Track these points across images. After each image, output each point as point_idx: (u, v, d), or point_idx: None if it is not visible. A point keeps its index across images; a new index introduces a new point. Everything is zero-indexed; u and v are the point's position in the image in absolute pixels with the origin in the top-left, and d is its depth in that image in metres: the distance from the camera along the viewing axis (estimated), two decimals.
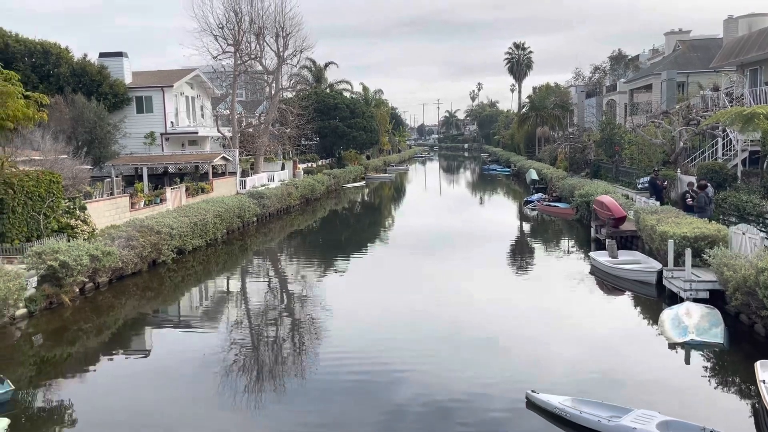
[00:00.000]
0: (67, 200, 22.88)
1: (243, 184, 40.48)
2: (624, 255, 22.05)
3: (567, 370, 12.79)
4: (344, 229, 37.26)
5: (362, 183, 63.69)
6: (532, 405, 11.16)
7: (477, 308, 17.56)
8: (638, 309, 17.93)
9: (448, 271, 22.79)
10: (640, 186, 31.46)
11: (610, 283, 20.27)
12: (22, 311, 17.07)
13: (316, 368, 13.30)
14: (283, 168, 49.80)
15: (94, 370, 14.08)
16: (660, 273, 18.85)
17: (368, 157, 76.99)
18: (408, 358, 13.62)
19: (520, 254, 26.73)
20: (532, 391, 11.28)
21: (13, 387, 11.95)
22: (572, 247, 28.31)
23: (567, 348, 14.09)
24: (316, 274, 24.09)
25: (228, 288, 22.50)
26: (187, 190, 33.17)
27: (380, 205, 50.22)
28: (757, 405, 10.85)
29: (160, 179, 37.59)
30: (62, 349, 15.43)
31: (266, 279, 24.02)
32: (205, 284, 22.92)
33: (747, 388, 11.62)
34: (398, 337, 15.18)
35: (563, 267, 23.43)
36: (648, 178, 29.00)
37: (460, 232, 32.31)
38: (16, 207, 20.35)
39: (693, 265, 16.97)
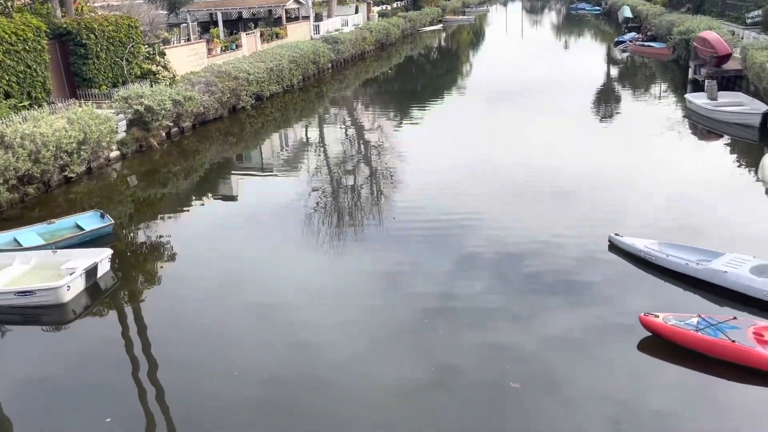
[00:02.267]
0: (146, 46, 22.87)
1: (317, 29, 39.21)
2: (725, 96, 20.42)
3: (655, 217, 12.35)
4: (420, 76, 36.01)
5: (439, 26, 60.41)
6: (615, 248, 10.92)
7: (559, 157, 16.89)
8: (737, 154, 16.85)
9: (528, 121, 21.84)
10: (749, 21, 28.28)
11: (706, 127, 18.98)
12: (115, 153, 17.90)
13: (392, 214, 13.41)
14: (356, 11, 47.61)
15: (188, 211, 14.79)
16: (765, 115, 17.50)
17: None
18: (484, 207, 13.44)
19: (607, 100, 25.19)
20: (616, 234, 11.01)
21: (113, 221, 12.79)
22: (666, 90, 26.39)
23: (655, 195, 13.54)
24: (392, 123, 23.69)
25: (306, 135, 22.59)
26: (261, 35, 32.45)
27: (458, 50, 47.87)
28: None
29: (235, 25, 36.88)
30: (155, 190, 16.21)
31: (343, 127, 23.89)
32: (284, 131, 23.09)
33: None
34: (475, 186, 14.93)
35: (655, 112, 21.98)
36: (760, 10, 25.84)
37: (542, 79, 30.51)
38: (99, 53, 20.53)
39: None
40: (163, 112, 18.94)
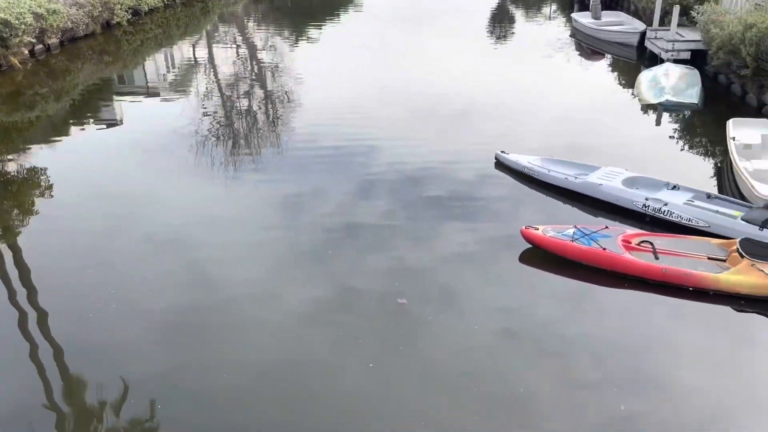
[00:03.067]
0: None
1: None
2: (607, 16, 21.34)
3: (538, 135, 12.92)
4: None
5: None
6: (501, 165, 11.35)
7: (450, 80, 17.08)
8: (616, 72, 17.81)
9: (425, 42, 21.74)
10: None
11: (590, 46, 19.83)
12: None
13: (291, 140, 13.09)
14: None
15: (65, 138, 13.61)
16: (643, 34, 18.58)
17: None
18: (381, 130, 13.42)
19: (502, 21, 25.50)
20: (502, 152, 11.42)
21: None
22: (557, 10, 27.08)
23: (540, 114, 14.16)
24: (287, 42, 22.76)
25: (194, 55, 21.24)
26: None
27: None
28: (721, 163, 11.26)
29: None
30: (21, 114, 14.75)
31: (233, 46, 22.65)
32: (168, 50, 21.56)
33: (715, 147, 12.02)
34: (370, 110, 14.83)
35: (545, 32, 22.59)
36: None
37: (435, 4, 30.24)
38: None
39: (678, 25, 16.74)
40: (23, 27, 16.96)
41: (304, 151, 12.38)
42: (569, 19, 23.21)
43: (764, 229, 8.31)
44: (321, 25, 25.53)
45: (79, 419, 6.08)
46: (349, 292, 7.83)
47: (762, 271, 7.42)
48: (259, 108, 15.54)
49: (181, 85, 17.55)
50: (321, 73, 18.22)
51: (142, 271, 8.38)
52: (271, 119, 14.74)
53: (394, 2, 29.93)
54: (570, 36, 21.51)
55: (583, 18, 21.35)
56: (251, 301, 7.71)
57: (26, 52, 17.91)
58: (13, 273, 8.43)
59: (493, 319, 7.28)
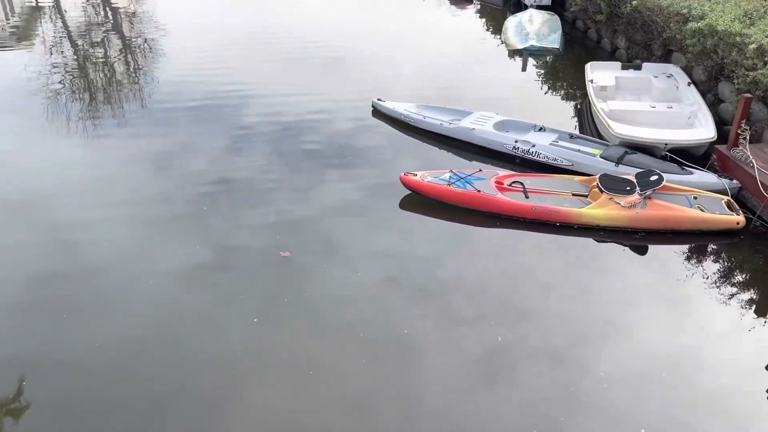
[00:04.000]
0: None
1: None
2: None
3: (413, 82, 13.09)
4: None
5: None
6: (378, 113, 11.40)
7: (324, 29, 16.74)
8: (485, 19, 18.33)
9: None
10: None
11: None
12: None
13: (156, 93, 12.26)
14: None
15: None
16: None
17: None
18: (253, 81, 12.92)
19: None
20: (378, 99, 11.47)
21: None
22: None
23: (414, 61, 14.35)
24: None
25: (36, 1, 19.06)
26: None
27: None
28: (581, 104, 12.06)
29: None
30: None
31: None
32: None
33: (576, 89, 12.80)
34: (241, 60, 14.22)
35: None
36: None
37: None
38: None
39: None
40: None
41: (170, 104, 11.66)
42: None
43: (620, 165, 9.03)
44: None
45: None
46: (229, 250, 7.60)
47: (618, 203, 8.09)
48: (117, 58, 14.34)
49: (24, 34, 15.75)
50: (186, 21, 17.10)
51: (8, 235, 7.62)
52: (131, 70, 13.67)
53: None
54: None
55: None
56: (122, 266, 7.26)
57: None
58: None
59: (375, 265, 7.39)
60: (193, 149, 9.97)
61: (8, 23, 16.82)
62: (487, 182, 8.58)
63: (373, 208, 8.59)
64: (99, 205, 8.43)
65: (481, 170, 8.95)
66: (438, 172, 8.86)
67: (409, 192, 8.77)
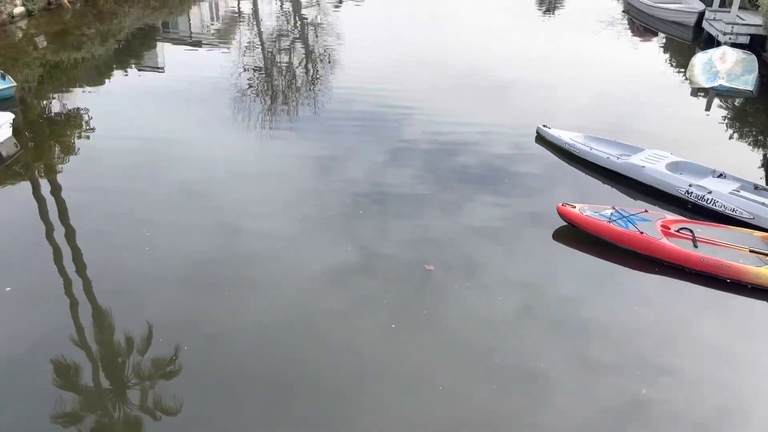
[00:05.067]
0: None
1: None
2: None
3: (582, 111, 12.57)
4: None
5: None
6: (541, 140, 11.08)
7: (498, 49, 16.66)
8: (669, 53, 17.17)
9: (469, 12, 21.19)
10: None
11: (644, 23, 19.13)
12: (19, 9, 16.19)
13: (328, 100, 12.97)
14: None
15: (107, 80, 13.75)
16: (701, 14, 17.86)
17: None
18: (418, 96, 13.20)
19: None
20: (544, 126, 11.14)
21: (14, 83, 11.76)
22: None
23: (585, 90, 13.77)
24: (332, 1, 22.43)
25: (238, 6, 21.12)
26: None
27: None
28: None
29: None
30: (68, 54, 14.90)
31: (278, 1, 22.44)
32: (213, 0, 21.48)
33: (766, 137, 11.47)
34: (409, 75, 14.58)
35: (597, 7, 21.80)
36: None
37: None
38: None
39: (740, 7, 16.14)
40: None
41: (339, 113, 12.26)
42: None
43: None
44: None
45: (106, 356, 6.23)
46: (375, 257, 7.79)
47: None
48: (299, 65, 15.41)
49: (224, 37, 17.50)
50: (363, 34, 17.96)
51: (174, 217, 8.47)
52: (310, 77, 14.62)
53: None
54: (623, 12, 20.74)
55: None
56: (276, 256, 7.73)
57: None
58: (52, 209, 8.61)
59: (515, 293, 7.17)
60: (353, 157, 10.40)
61: (212, 25, 18.81)
62: (652, 224, 7.98)
63: (522, 235, 8.36)
64: (263, 198, 9.07)
65: (646, 211, 8.35)
66: (599, 207, 8.41)
67: (565, 224, 8.42)
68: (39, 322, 6.52)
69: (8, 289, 6.95)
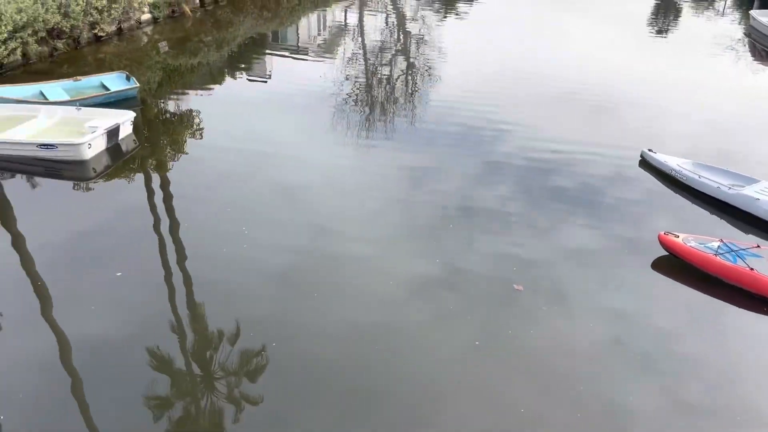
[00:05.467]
0: None
1: None
2: None
3: (691, 137, 11.90)
4: None
5: None
6: (645, 164, 10.59)
7: (605, 67, 16.10)
8: None
9: (581, 26, 20.65)
10: None
11: (767, 48, 17.82)
12: (146, 16, 17.48)
13: (425, 112, 13.05)
14: None
15: (218, 85, 14.55)
16: None
17: None
18: (516, 112, 12.99)
19: (666, 12, 23.59)
20: (649, 150, 10.63)
21: (138, 85, 12.68)
22: (732, 6, 24.59)
23: (696, 115, 13.05)
24: (437, 15, 22.60)
25: (345, 19, 21.73)
26: None
27: None
28: None
29: None
30: (186, 59, 15.91)
31: (384, 14, 22.88)
32: (322, 11, 22.22)
33: None
34: (514, 89, 14.39)
35: (715, 28, 20.61)
36: None
37: None
38: None
39: None
40: None
41: (434, 126, 12.30)
42: (746, 17, 21.02)
43: None
44: (472, 2, 25.06)
45: (198, 344, 6.55)
46: (460, 272, 7.73)
47: None
48: (399, 77, 15.62)
49: (329, 48, 18.04)
50: (464, 49, 17.94)
51: (271, 217, 8.81)
52: (409, 90, 14.77)
53: None
54: (744, 35, 19.48)
55: (763, 17, 19.23)
56: (364, 263, 7.84)
57: (197, 1, 19.29)
58: (159, 203, 9.19)
59: (604, 323, 6.87)
60: (446, 171, 10.39)
61: (318, 37, 19.46)
62: (763, 261, 7.42)
63: (617, 262, 8.01)
64: (355, 205, 9.24)
65: (758, 246, 7.77)
66: (705, 238, 7.92)
67: (666, 254, 7.99)
68: (141, 307, 6.96)
69: (119, 273, 7.48)
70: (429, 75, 15.66)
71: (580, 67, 16.21)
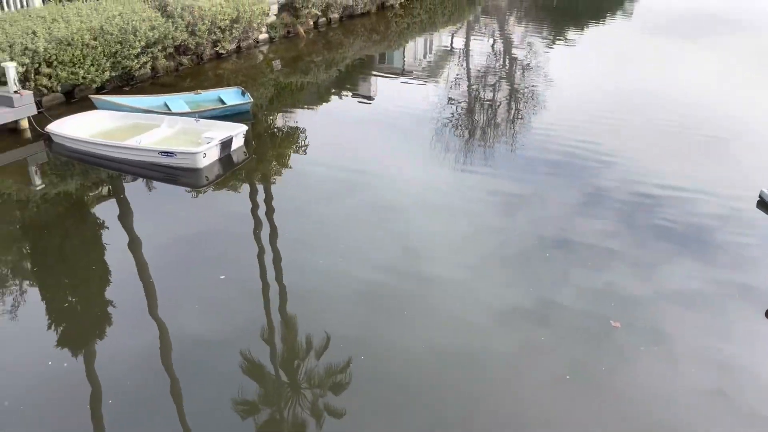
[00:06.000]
0: None
1: None
2: None
3: None
4: None
5: None
6: (764, 206, 9.84)
7: (715, 100, 15.20)
8: None
9: (692, 59, 19.63)
10: None
11: None
12: (264, 36, 18.52)
13: (525, 139, 12.86)
14: None
15: (324, 103, 15.11)
16: None
17: None
18: (621, 143, 12.51)
19: None
20: None
21: (252, 100, 13.42)
22: None
23: None
24: (544, 41, 22.31)
25: (451, 43, 21.93)
26: None
27: None
28: None
29: None
30: (296, 78, 16.66)
31: (491, 39, 22.89)
32: (429, 35, 22.56)
33: None
34: (622, 120, 13.89)
35: None
36: None
37: (720, 13, 27.01)
38: None
39: None
40: (313, 0, 19.12)
41: (534, 153, 12.09)
42: None
43: None
44: (583, 28, 24.52)
45: (287, 353, 6.78)
46: (553, 304, 7.51)
47: None
48: (502, 103, 15.52)
49: (433, 72, 18.26)
50: (571, 76, 17.56)
51: (365, 235, 8.99)
52: (511, 116, 14.64)
53: (671, 10, 27.47)
54: None
55: None
56: (452, 286, 7.81)
57: (311, 23, 20.22)
58: (261, 212, 9.65)
59: (712, 371, 6.42)
60: (544, 200, 10.17)
61: (424, 60, 19.75)
62: None
63: (726, 307, 7.49)
64: (449, 228, 9.24)
65: None
66: None
67: None
68: (238, 311, 7.31)
69: (222, 277, 7.91)
70: (532, 101, 15.46)
71: (698, 100, 15.40)
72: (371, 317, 7.23)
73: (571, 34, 23.53)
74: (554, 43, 22.01)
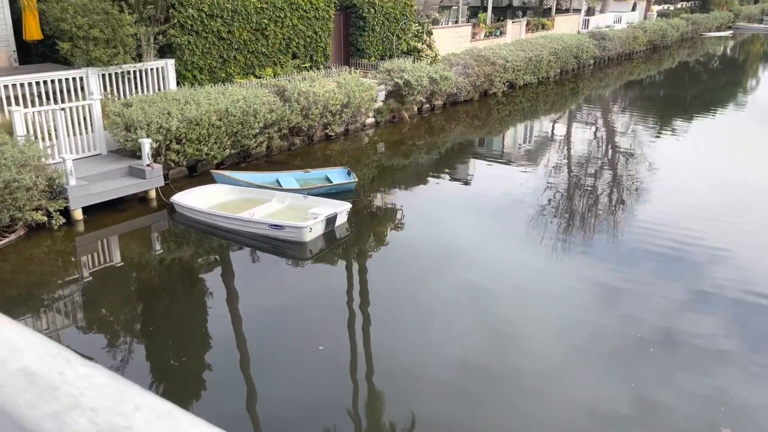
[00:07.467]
0: (417, 24, 24.31)
1: (586, 23, 37.77)
2: None
3: None
4: (692, 85, 32.61)
5: (728, 33, 53.86)
6: None
7: None
8: None
9: None
10: None
11: None
12: (370, 120, 19.58)
13: (628, 229, 12.55)
14: (634, 8, 44.75)
15: (423, 185, 15.61)
16: None
17: (741, 2, 63.95)
18: (737, 239, 11.88)
19: None
20: None
21: (356, 180, 14.11)
22: None
23: None
24: (649, 131, 21.96)
25: (552, 130, 22.10)
26: (527, 24, 32.33)
27: (745, 62, 42.16)
28: None
29: (503, 12, 37.39)
30: (398, 160, 17.37)
31: (593, 127, 22.84)
32: (530, 122, 22.88)
33: None
34: (732, 214, 13.26)
35: None
36: None
37: None
38: (375, 26, 22.40)
39: None
40: (419, 87, 20.10)
41: (636, 244, 11.74)
42: None
43: None
44: (690, 120, 23.97)
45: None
46: (656, 405, 7.13)
47: None
48: (603, 191, 15.32)
49: (532, 157, 18.42)
50: (677, 167, 17.09)
51: (455, 317, 9.03)
52: (612, 204, 14.40)
53: None
54: None
55: None
56: (543, 380, 7.61)
57: (415, 108, 21.17)
58: (357, 287, 9.98)
59: None
60: (645, 293, 9.81)
61: (523, 145, 19.99)
62: None
63: None
64: (542, 316, 9.10)
65: None
66: None
67: None
68: (325, 384, 7.50)
69: (321, 347, 8.21)
70: (636, 191, 15.15)
71: None
72: (457, 403, 7.18)
73: (679, 124, 23.05)
74: (660, 133, 21.62)
